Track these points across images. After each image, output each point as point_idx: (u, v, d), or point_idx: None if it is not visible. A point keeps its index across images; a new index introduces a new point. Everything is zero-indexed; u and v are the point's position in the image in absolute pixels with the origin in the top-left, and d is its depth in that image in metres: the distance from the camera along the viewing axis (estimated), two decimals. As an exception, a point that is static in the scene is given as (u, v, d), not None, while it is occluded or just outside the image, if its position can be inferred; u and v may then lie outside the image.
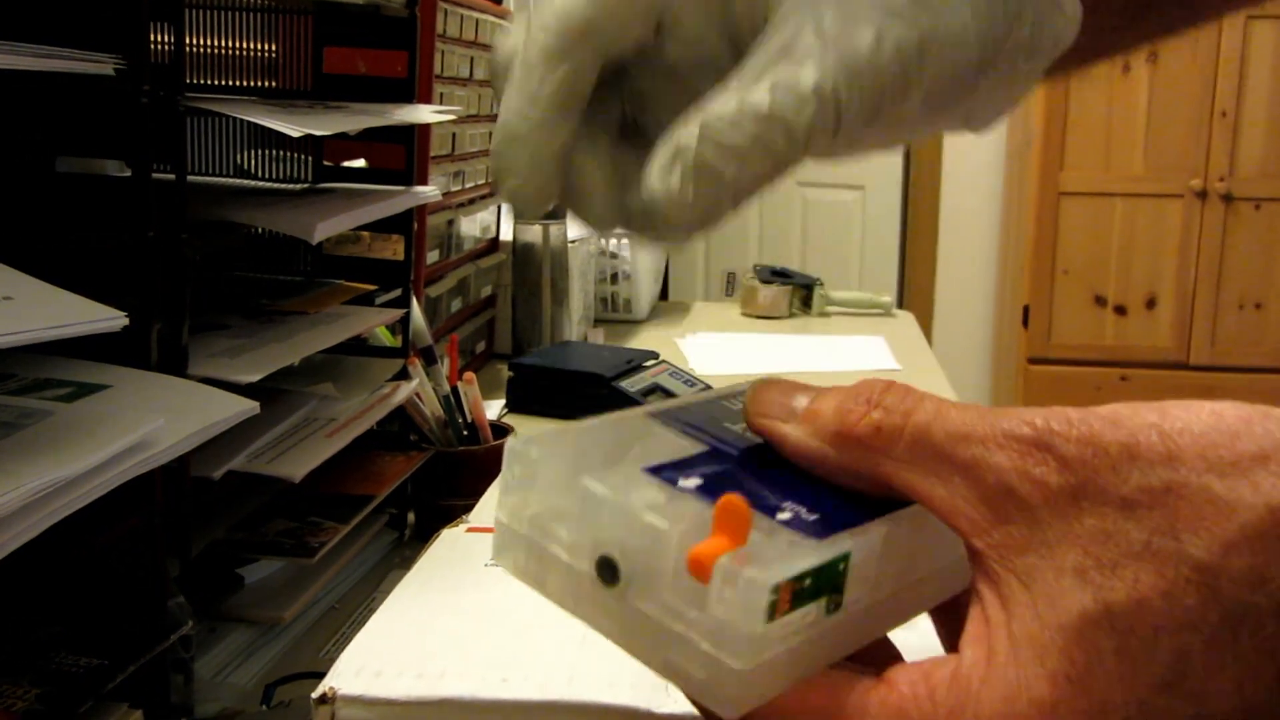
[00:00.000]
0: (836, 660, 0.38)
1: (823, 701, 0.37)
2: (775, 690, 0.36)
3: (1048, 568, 0.34)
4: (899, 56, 0.40)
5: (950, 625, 0.44)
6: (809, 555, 0.35)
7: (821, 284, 2.38)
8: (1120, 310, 3.88)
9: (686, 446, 0.42)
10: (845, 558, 0.37)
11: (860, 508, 0.39)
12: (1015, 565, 0.35)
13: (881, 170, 4.51)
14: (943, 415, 0.37)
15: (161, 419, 0.65)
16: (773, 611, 0.34)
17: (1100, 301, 3.88)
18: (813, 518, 0.38)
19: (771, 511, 0.38)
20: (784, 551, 0.36)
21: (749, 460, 0.41)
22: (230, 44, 1.09)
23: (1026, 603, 0.35)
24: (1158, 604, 0.33)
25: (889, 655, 0.41)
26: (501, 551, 0.41)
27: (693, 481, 0.39)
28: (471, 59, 1.59)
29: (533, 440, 0.40)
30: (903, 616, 0.42)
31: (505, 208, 1.88)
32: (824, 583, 0.36)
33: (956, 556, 0.41)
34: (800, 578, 0.35)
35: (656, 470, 0.39)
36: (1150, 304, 3.86)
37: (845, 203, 4.63)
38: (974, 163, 4.39)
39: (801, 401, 0.41)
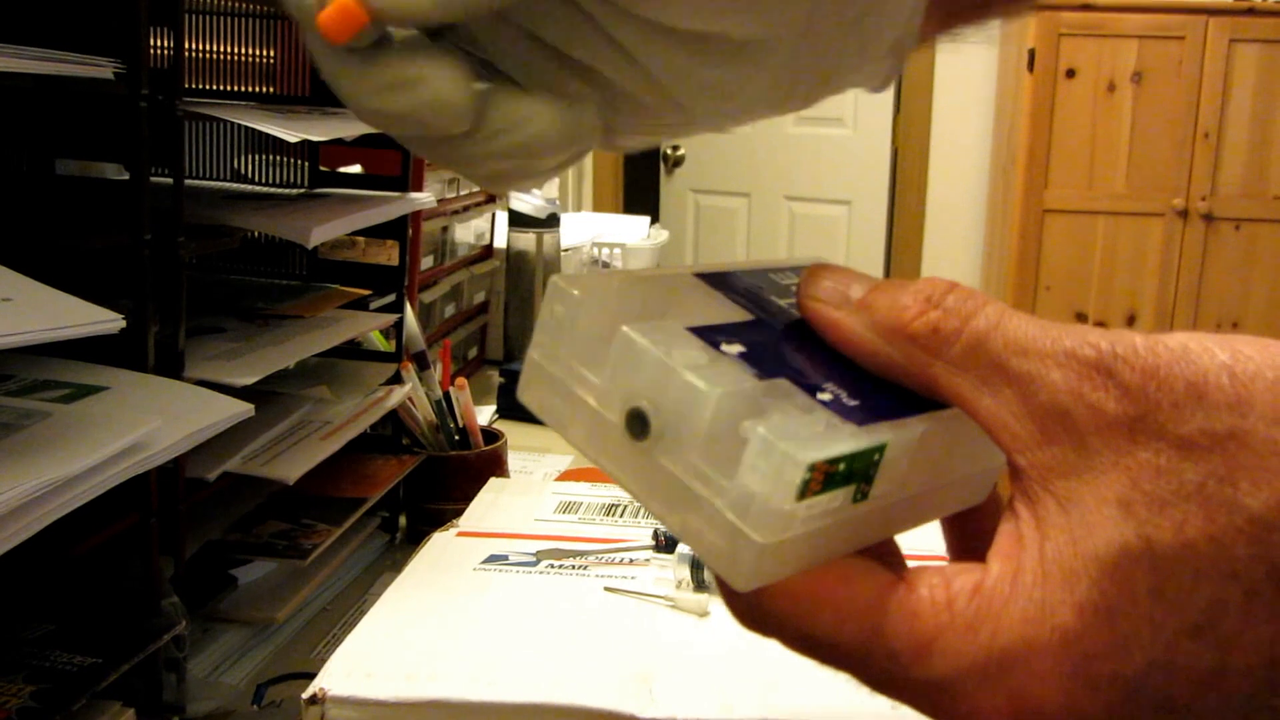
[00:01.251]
0: (851, 550, 0.38)
1: (840, 592, 0.36)
2: (790, 570, 0.36)
3: (1090, 495, 0.33)
4: None
5: (962, 534, 0.44)
6: (847, 440, 0.35)
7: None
8: (1101, 326, 3.88)
9: (732, 313, 0.41)
10: (881, 449, 0.36)
11: (902, 401, 0.38)
12: (1056, 487, 0.34)
13: (868, 185, 4.53)
14: (1003, 324, 0.36)
15: (158, 421, 0.65)
16: (804, 491, 0.34)
17: (1081, 318, 3.88)
18: (853, 403, 0.37)
19: (812, 391, 0.37)
20: (822, 432, 0.35)
21: (794, 336, 0.40)
22: (228, 49, 1.09)
23: (1063, 526, 0.33)
24: (1203, 549, 0.31)
25: (896, 556, 0.40)
26: (528, 388, 0.40)
27: (735, 348, 0.37)
28: (468, 66, 1.59)
29: (577, 279, 0.39)
30: (921, 518, 0.42)
31: (499, 217, 1.88)
32: (856, 470, 0.36)
33: (985, 468, 0.42)
34: (835, 461, 0.34)
35: (700, 331, 0.38)
36: (1130, 321, 3.87)
37: (832, 217, 4.65)
38: (959, 179, 4.40)
39: (857, 290, 0.39)
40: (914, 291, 0.37)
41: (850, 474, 0.35)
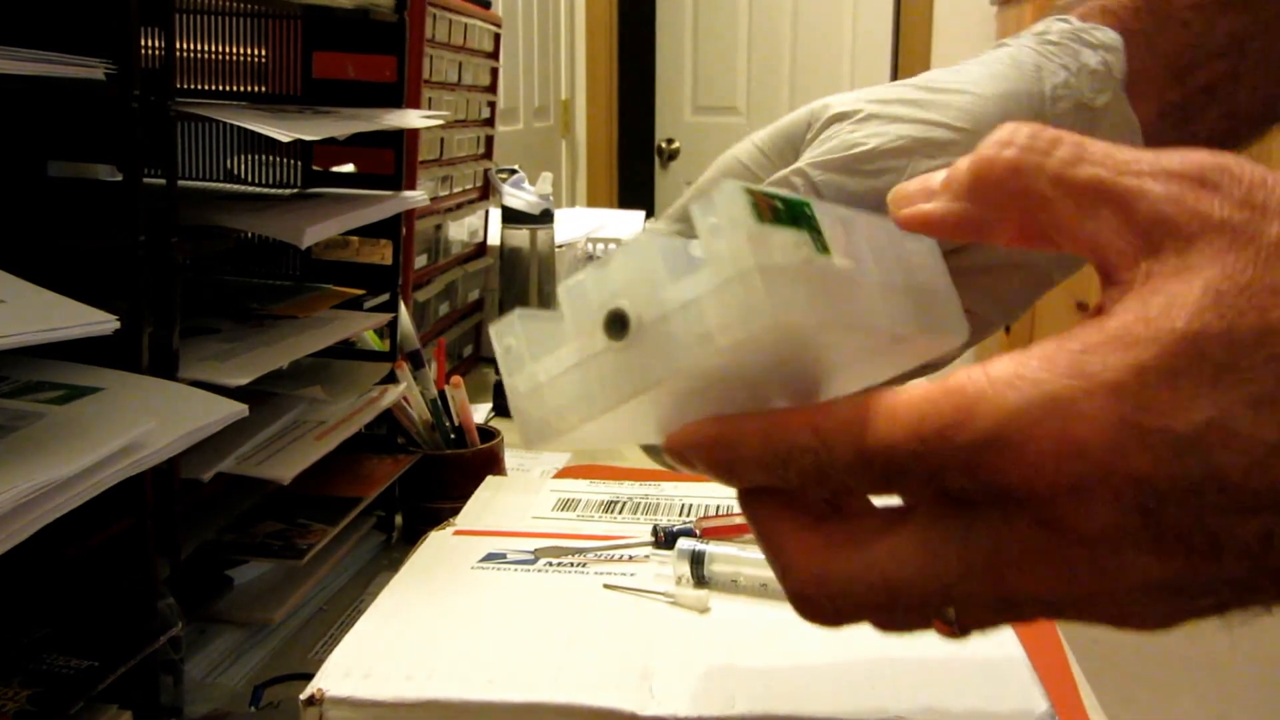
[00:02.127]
0: (863, 324, 0.39)
1: (884, 401, 0.36)
2: (812, 312, 0.36)
3: (1180, 283, 0.33)
4: None
5: None
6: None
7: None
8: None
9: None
10: (806, 204, 0.38)
11: None
12: (1146, 287, 0.34)
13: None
14: (1090, 148, 0.36)
15: (152, 421, 0.65)
16: (758, 212, 0.35)
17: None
18: None
19: None
20: None
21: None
22: (220, 49, 1.09)
23: (1138, 309, 0.34)
24: None
25: None
26: (525, 428, 0.41)
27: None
28: (460, 64, 1.59)
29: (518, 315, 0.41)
30: (902, 335, 0.42)
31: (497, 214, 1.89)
32: (798, 214, 0.37)
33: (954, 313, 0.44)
34: (768, 196, 0.36)
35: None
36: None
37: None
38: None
39: (939, 174, 0.40)
40: (989, 142, 0.37)
41: (793, 215, 0.37)
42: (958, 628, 0.38)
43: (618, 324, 0.37)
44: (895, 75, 4.48)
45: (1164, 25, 0.59)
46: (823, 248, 0.37)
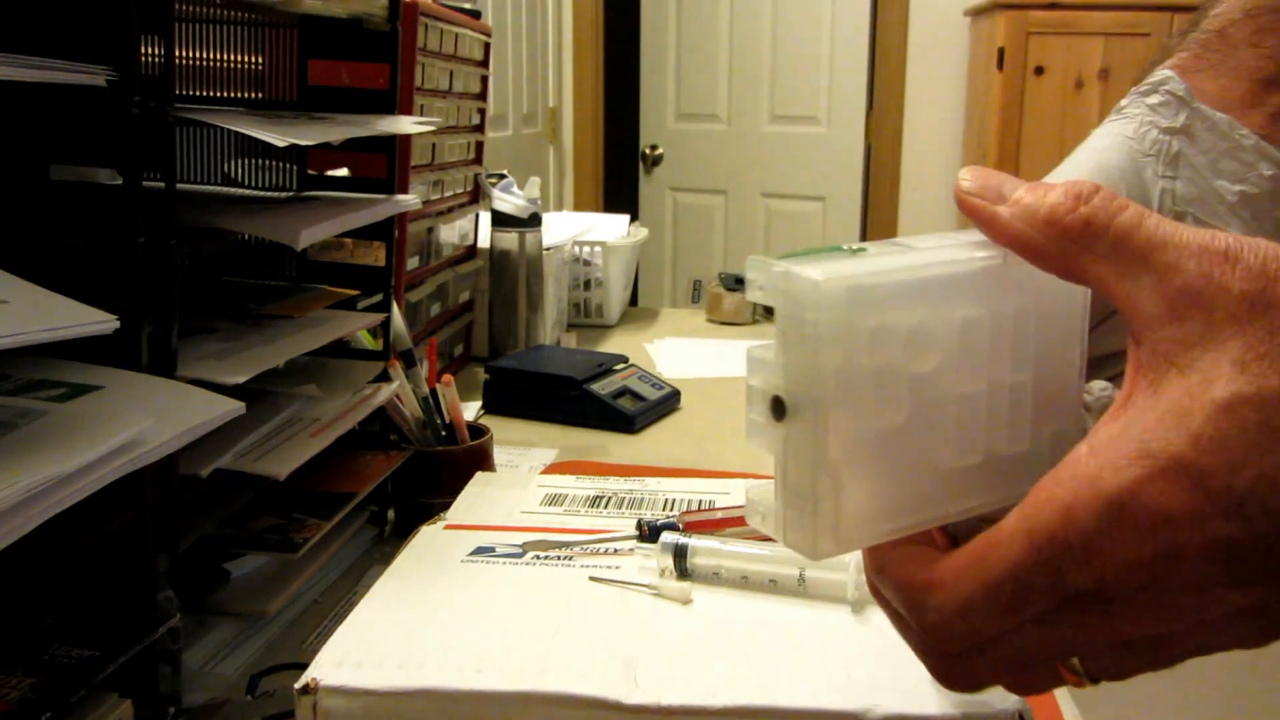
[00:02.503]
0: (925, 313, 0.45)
1: (977, 548, 0.43)
2: (886, 309, 0.43)
3: (1209, 359, 0.39)
4: None
5: None
6: None
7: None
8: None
9: None
10: (840, 245, 0.45)
11: None
12: (1179, 358, 0.39)
13: (842, 182, 4.56)
14: (1145, 222, 0.41)
15: (151, 419, 0.65)
16: (775, 256, 0.43)
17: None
18: None
19: None
20: None
21: None
22: (218, 56, 1.10)
23: (1180, 386, 0.39)
24: None
25: None
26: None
27: None
28: (451, 72, 1.60)
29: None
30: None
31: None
32: (816, 250, 0.44)
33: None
34: (790, 252, 0.44)
35: None
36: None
37: (807, 213, 4.66)
38: (931, 174, 4.42)
39: (1012, 189, 0.45)
40: (1064, 190, 0.43)
41: (813, 251, 0.44)
42: (1086, 677, 0.44)
43: (779, 410, 0.44)
44: (871, 84, 4.48)
45: (1232, 53, 0.65)
46: (857, 250, 0.44)
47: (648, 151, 5.00)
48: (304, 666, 0.65)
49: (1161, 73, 0.65)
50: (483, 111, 1.82)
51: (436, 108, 1.56)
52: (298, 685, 0.64)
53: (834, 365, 0.42)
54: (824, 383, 0.42)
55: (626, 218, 2.37)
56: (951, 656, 0.46)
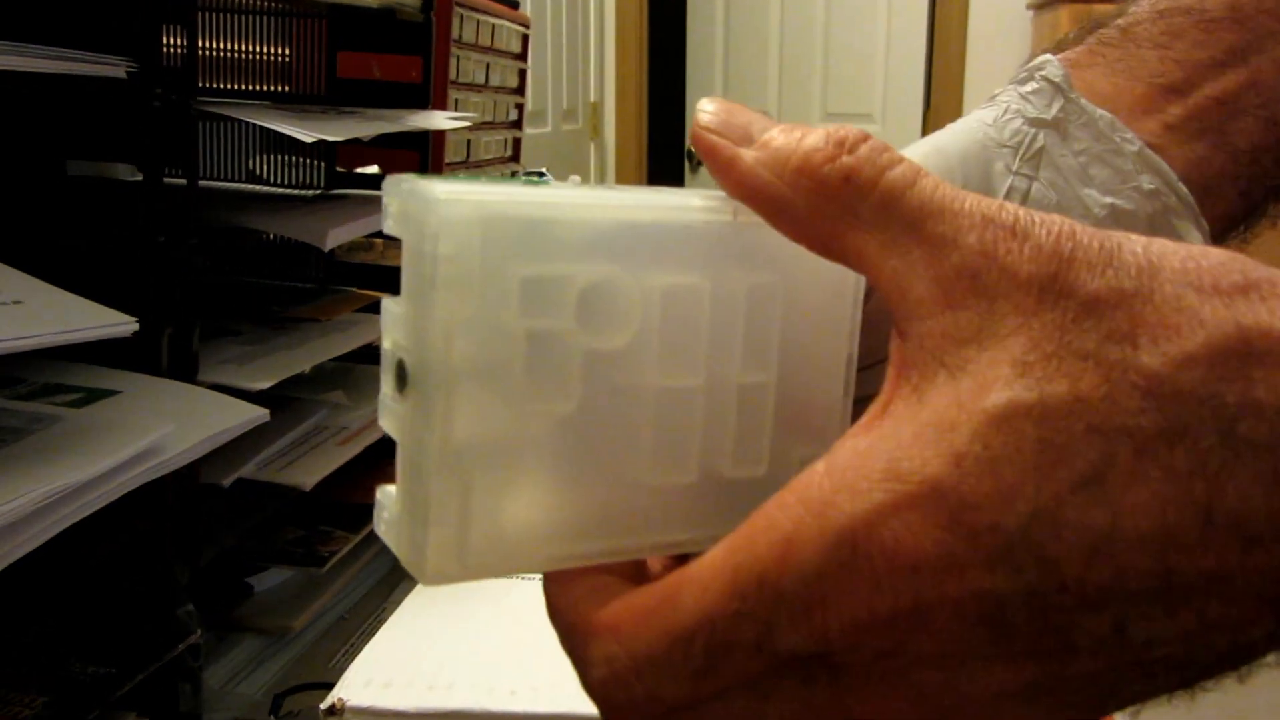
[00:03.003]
0: (615, 207, 0.34)
1: (689, 573, 0.32)
2: (526, 200, 0.32)
3: (986, 359, 0.31)
4: None
5: None
6: None
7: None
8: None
9: None
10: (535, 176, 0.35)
11: None
12: (949, 356, 0.32)
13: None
14: (920, 183, 0.34)
15: (171, 425, 0.65)
16: (422, 177, 0.32)
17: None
18: None
19: None
20: None
21: None
22: (243, 48, 1.10)
23: (948, 392, 0.31)
24: (1096, 404, 0.30)
25: None
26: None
27: None
28: (487, 65, 1.59)
29: None
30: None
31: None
32: (504, 178, 0.33)
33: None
34: (453, 176, 0.33)
35: None
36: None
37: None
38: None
39: (761, 127, 0.36)
40: (825, 135, 0.34)
41: (505, 179, 0.33)
42: None
43: (401, 378, 0.33)
44: (929, 79, 4.48)
45: (1133, 51, 0.56)
46: (539, 175, 0.34)
47: (694, 149, 5.02)
48: (330, 686, 0.65)
49: (1041, 58, 0.57)
50: (520, 107, 1.81)
51: (472, 102, 1.55)
52: (323, 706, 0.64)
53: (460, 317, 0.31)
54: (447, 345, 0.31)
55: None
56: None
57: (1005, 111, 0.52)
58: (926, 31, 4.48)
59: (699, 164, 4.59)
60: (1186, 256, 0.31)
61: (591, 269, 0.33)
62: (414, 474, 0.33)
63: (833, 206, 0.34)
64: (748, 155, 0.35)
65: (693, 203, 0.36)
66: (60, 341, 0.58)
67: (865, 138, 0.34)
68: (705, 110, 0.37)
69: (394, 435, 0.34)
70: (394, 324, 0.34)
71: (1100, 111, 0.52)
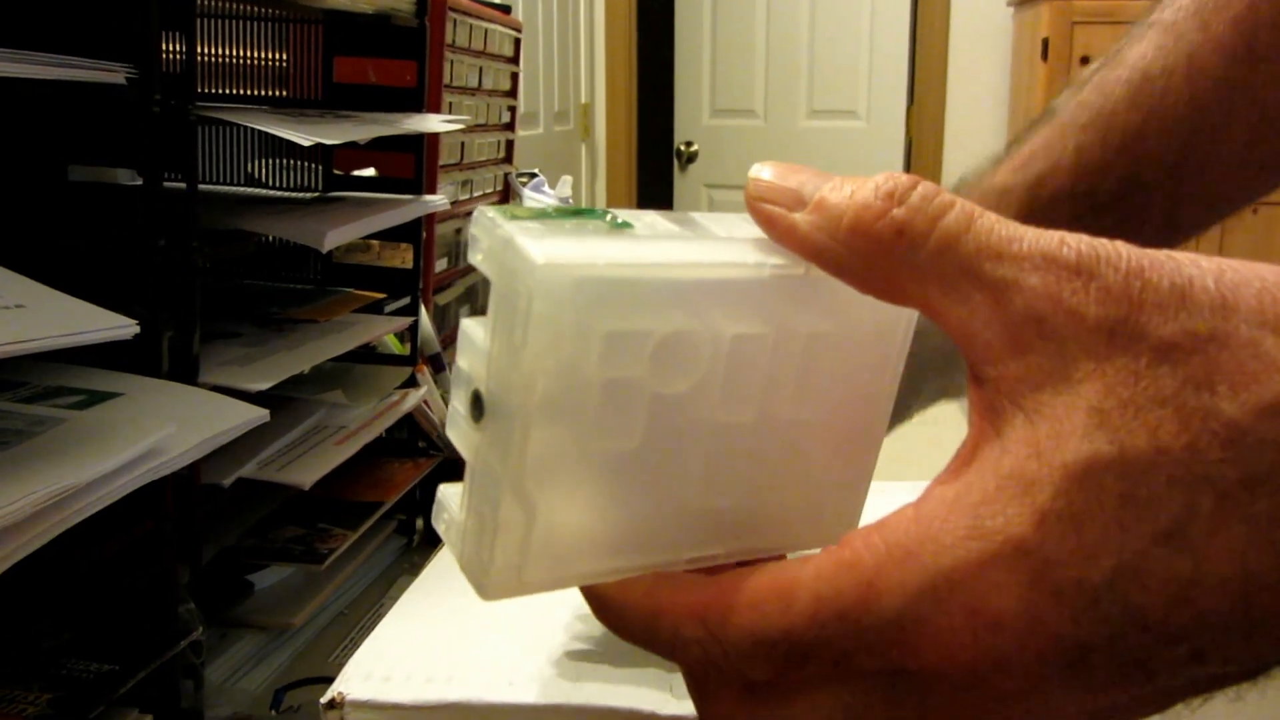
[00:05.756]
0: (693, 264, 0.34)
1: (771, 582, 0.34)
2: (619, 298, 0.32)
3: (1061, 405, 0.31)
4: None
5: None
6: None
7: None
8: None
9: None
10: (604, 210, 0.34)
11: None
12: (1025, 401, 0.31)
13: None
14: (976, 226, 0.33)
15: (172, 426, 0.65)
16: (512, 215, 0.32)
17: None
18: None
19: None
20: None
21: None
22: (241, 53, 1.09)
23: (1027, 440, 0.31)
24: (1177, 454, 0.29)
25: None
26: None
27: None
28: (480, 68, 1.59)
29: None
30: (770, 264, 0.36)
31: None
32: (577, 212, 0.34)
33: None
34: (538, 211, 0.33)
35: None
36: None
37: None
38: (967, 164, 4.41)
39: (814, 188, 0.35)
40: (875, 187, 0.34)
41: (572, 213, 0.33)
42: None
43: (477, 408, 0.34)
44: (912, 77, 4.47)
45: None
46: (621, 222, 0.34)
47: (682, 148, 5.00)
48: (330, 680, 0.65)
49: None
50: (513, 109, 1.81)
51: (465, 105, 1.55)
52: (324, 700, 0.64)
53: (547, 370, 0.33)
54: (530, 391, 0.32)
55: (659, 217, 2.36)
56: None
57: None
58: (909, 29, 4.46)
59: (687, 163, 4.57)
60: (1262, 290, 0.30)
61: (670, 323, 0.34)
62: (483, 496, 0.35)
63: (890, 261, 0.34)
64: (802, 221, 0.35)
65: (770, 260, 0.36)
66: (62, 344, 0.58)
67: (914, 184, 0.34)
68: (756, 179, 0.37)
69: (463, 454, 0.35)
70: (475, 353, 0.34)
71: None
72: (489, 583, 0.35)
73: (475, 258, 0.33)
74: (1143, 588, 0.30)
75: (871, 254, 0.34)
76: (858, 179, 0.35)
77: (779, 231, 0.36)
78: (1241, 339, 0.30)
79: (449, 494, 0.37)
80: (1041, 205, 0.63)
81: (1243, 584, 0.29)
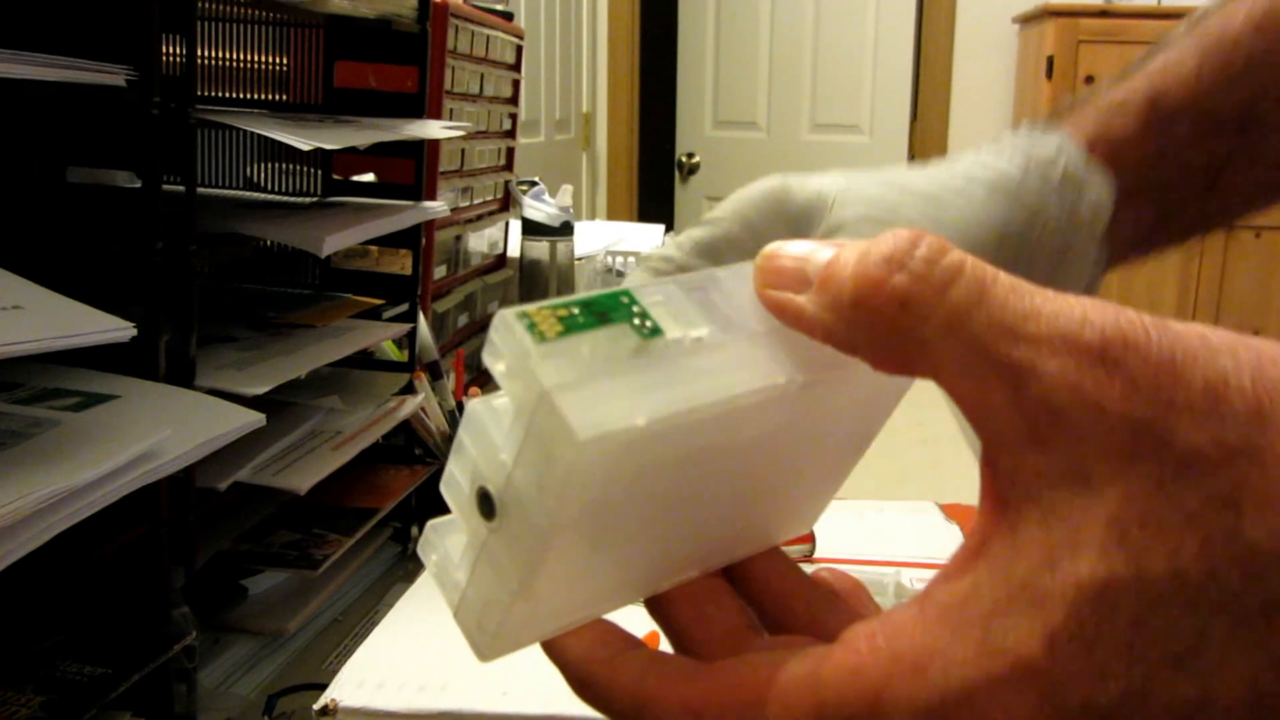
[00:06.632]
0: (730, 393, 0.32)
1: (775, 677, 0.32)
2: (645, 413, 0.30)
3: (1078, 511, 0.29)
4: None
5: None
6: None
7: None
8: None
9: None
10: (624, 293, 0.32)
11: None
12: (1041, 497, 0.30)
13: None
14: (987, 298, 0.30)
15: (168, 430, 0.65)
16: (536, 331, 0.30)
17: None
18: None
19: None
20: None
21: None
22: (241, 57, 1.09)
23: (1041, 543, 0.29)
24: (1196, 579, 0.28)
25: (844, 608, 0.38)
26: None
27: None
28: (482, 75, 1.59)
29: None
30: (799, 379, 0.34)
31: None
32: (604, 309, 0.31)
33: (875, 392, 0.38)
34: (558, 306, 0.31)
35: None
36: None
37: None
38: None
39: (818, 260, 0.33)
40: (876, 252, 0.31)
41: (600, 312, 0.31)
42: None
43: (486, 504, 0.33)
44: (916, 92, 4.48)
45: (1160, 161, 0.59)
46: (650, 330, 0.32)
47: (684, 160, 5.00)
48: (323, 687, 0.65)
49: (1103, 189, 0.60)
50: (514, 116, 1.81)
51: (466, 112, 1.55)
52: (316, 706, 0.64)
53: (573, 506, 0.31)
54: (554, 522, 0.31)
55: (661, 228, 2.36)
56: None
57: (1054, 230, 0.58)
58: (913, 44, 4.47)
59: (689, 174, 4.57)
60: None
61: (700, 442, 0.33)
62: (489, 581, 0.34)
63: (896, 337, 0.31)
64: (808, 304, 0.33)
65: (799, 375, 0.34)
66: (59, 346, 0.58)
67: (914, 243, 0.31)
68: (762, 266, 0.35)
69: (463, 526, 0.35)
70: (488, 454, 0.33)
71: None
72: (489, 650, 0.35)
73: (496, 368, 0.31)
74: (1148, 711, 0.29)
75: (877, 330, 0.32)
76: (860, 244, 0.32)
77: (789, 318, 0.34)
78: (1274, 455, 0.28)
79: (441, 532, 0.37)
80: (1160, 119, 0.60)
81: (1252, 703, 0.29)
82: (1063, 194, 0.58)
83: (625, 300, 0.32)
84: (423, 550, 0.37)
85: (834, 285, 0.32)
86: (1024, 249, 0.57)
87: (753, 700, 0.33)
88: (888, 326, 0.31)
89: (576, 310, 0.31)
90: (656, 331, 0.32)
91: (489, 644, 0.35)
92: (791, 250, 0.34)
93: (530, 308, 0.30)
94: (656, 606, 0.39)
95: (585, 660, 0.36)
